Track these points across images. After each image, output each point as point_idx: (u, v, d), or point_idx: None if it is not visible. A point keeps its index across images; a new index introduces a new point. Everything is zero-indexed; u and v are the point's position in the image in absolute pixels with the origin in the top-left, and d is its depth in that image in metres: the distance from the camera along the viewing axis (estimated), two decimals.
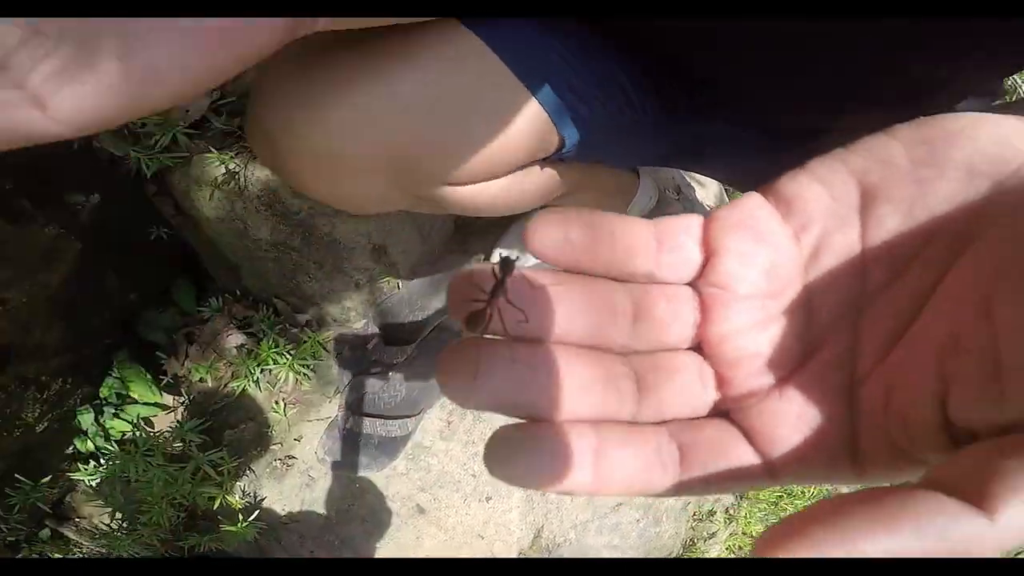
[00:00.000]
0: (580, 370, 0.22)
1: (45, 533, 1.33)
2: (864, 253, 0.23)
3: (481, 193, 0.65)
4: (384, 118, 0.54)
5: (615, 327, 0.24)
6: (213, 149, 0.96)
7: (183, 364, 1.18)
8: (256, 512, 1.09)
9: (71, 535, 1.35)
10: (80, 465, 1.13)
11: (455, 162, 0.59)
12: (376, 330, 1.08)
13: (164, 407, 1.22)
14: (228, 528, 1.08)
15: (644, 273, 0.24)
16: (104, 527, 1.27)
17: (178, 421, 1.21)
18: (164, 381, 1.19)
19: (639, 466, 0.21)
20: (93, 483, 1.12)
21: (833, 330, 0.23)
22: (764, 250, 0.24)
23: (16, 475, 1.10)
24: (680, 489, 0.22)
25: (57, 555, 1.34)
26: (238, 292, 1.17)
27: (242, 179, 0.98)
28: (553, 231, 0.23)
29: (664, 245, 0.24)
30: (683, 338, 0.24)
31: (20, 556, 1.21)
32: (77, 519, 1.30)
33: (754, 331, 0.23)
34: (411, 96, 0.54)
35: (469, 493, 1.09)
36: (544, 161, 0.68)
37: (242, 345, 1.13)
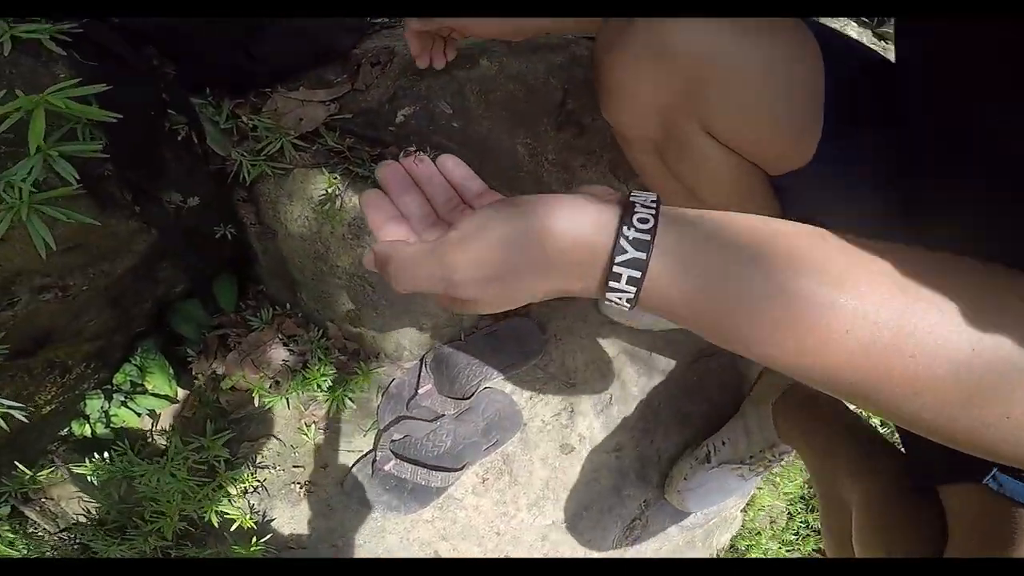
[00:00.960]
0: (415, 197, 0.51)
1: (4, 511, 1.22)
2: None
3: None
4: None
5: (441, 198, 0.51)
6: (321, 167, 0.92)
7: (211, 365, 1.12)
8: (268, 536, 1.05)
9: (33, 516, 1.25)
10: (86, 460, 1.04)
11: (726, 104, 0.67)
12: (430, 376, 1.06)
13: (174, 401, 1.15)
14: (236, 548, 1.03)
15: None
16: (81, 518, 1.19)
17: (179, 421, 1.15)
18: (187, 377, 1.13)
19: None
20: (95, 480, 1.04)
21: None
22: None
23: (15, 462, 1.01)
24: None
25: (9, 535, 1.24)
26: (288, 306, 1.11)
27: (338, 203, 0.94)
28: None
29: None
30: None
31: None
32: (44, 499, 1.21)
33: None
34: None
35: (490, 549, 1.10)
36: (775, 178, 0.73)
37: (284, 361, 1.08)
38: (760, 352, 0.39)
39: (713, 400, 1.13)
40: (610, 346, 1.08)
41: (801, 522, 1.75)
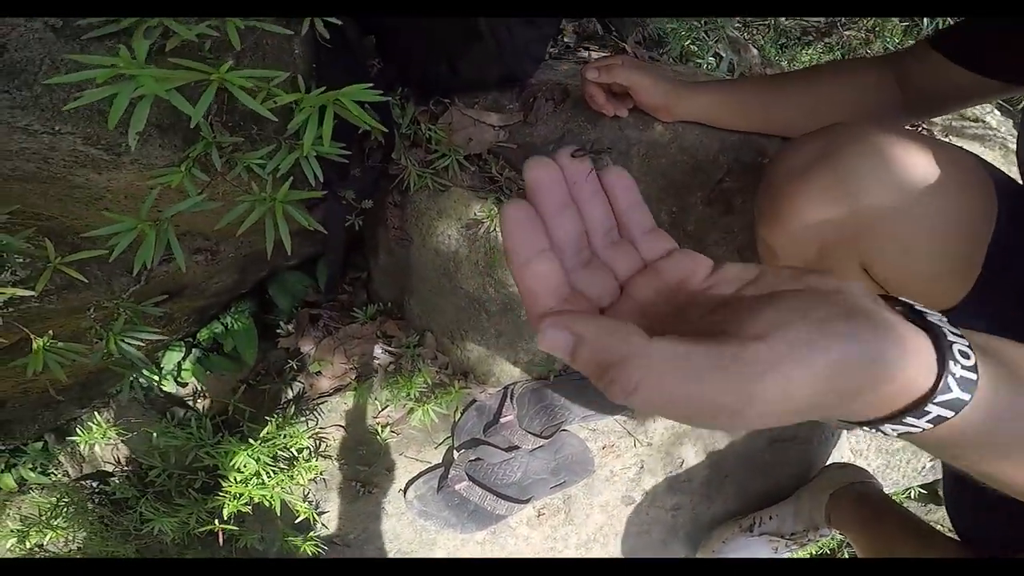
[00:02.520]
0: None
1: (36, 446, 1.18)
2: None
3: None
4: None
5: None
6: (478, 192, 0.93)
7: (297, 341, 1.11)
8: (322, 529, 1.05)
9: (64, 459, 1.21)
10: (161, 418, 1.02)
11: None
12: (514, 407, 1.07)
13: (240, 365, 1.13)
14: (290, 537, 1.02)
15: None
16: (108, 467, 1.16)
17: (247, 391, 1.14)
18: (265, 346, 1.11)
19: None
20: (161, 441, 1.01)
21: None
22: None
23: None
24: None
25: (31, 474, 1.20)
26: (389, 304, 1.11)
27: (482, 230, 0.94)
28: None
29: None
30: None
31: None
32: (80, 441, 1.17)
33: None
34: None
35: None
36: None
37: (376, 359, 1.08)
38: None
39: (779, 482, 1.18)
40: None
41: None
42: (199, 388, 1.16)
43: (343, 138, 0.75)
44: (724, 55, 1.42)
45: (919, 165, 0.64)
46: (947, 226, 0.65)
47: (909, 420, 0.32)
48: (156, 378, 1.08)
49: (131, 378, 0.74)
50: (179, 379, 1.11)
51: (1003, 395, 0.33)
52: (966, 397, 0.32)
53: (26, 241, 0.63)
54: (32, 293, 0.63)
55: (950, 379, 0.31)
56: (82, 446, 1.18)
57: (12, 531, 1.17)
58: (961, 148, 0.71)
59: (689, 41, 1.36)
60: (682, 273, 0.37)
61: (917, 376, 0.31)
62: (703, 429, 1.13)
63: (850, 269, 0.74)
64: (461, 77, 0.90)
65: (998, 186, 0.67)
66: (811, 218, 0.69)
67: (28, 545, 1.18)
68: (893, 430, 0.33)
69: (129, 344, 0.65)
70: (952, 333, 0.33)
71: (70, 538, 1.21)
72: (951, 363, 0.32)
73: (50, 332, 0.70)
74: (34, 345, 0.66)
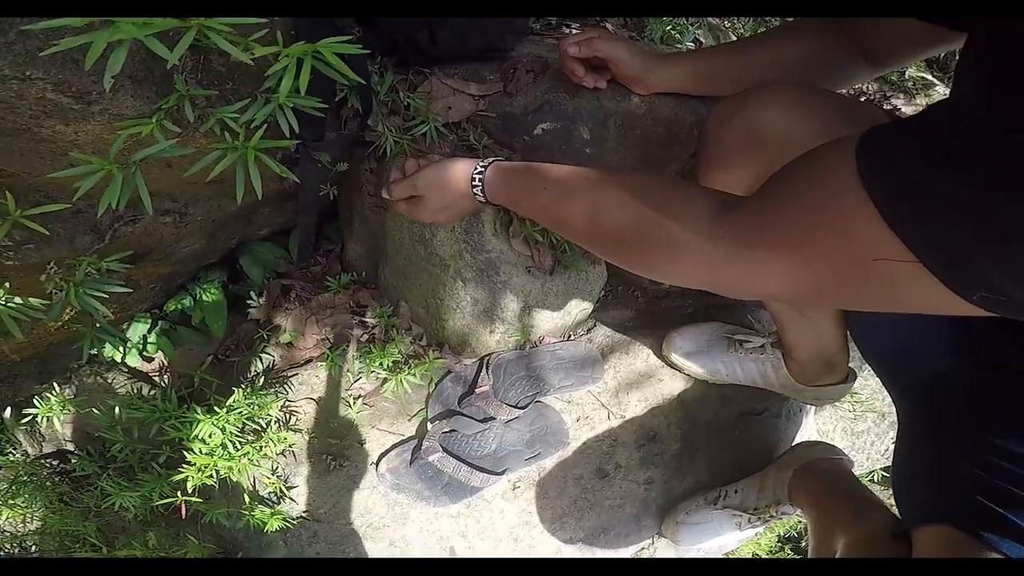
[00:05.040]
0: None
1: None
2: None
3: None
4: None
5: None
6: (458, 155, 0.92)
7: (269, 313, 1.09)
8: (291, 504, 1.03)
9: (23, 438, 1.16)
10: (126, 392, 0.99)
11: None
12: (489, 378, 1.07)
13: (214, 340, 1.10)
14: (256, 513, 1.00)
15: None
16: (71, 445, 1.12)
17: (216, 365, 1.11)
18: (235, 319, 1.09)
19: None
20: (123, 415, 0.98)
21: None
22: None
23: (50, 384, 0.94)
24: None
25: None
26: (363, 274, 1.10)
27: None
28: None
29: None
30: None
31: None
32: (38, 414, 1.13)
33: None
34: None
35: (503, 553, 1.12)
36: None
37: (349, 330, 1.06)
38: (523, 209, 0.79)
39: (748, 456, 1.20)
40: (665, 388, 1.13)
41: None
42: (165, 364, 1.13)
43: (321, 98, 0.74)
44: (703, 41, 1.43)
45: (820, 113, 0.70)
46: None
47: (475, 192, 0.80)
48: (120, 350, 1.05)
49: (91, 338, 0.70)
50: (145, 353, 1.08)
51: (510, 179, 0.77)
52: (481, 180, 0.78)
53: None
54: None
55: (476, 174, 0.79)
56: (41, 422, 1.14)
57: None
58: (875, 106, 0.74)
59: (670, 26, 1.37)
60: None
61: (466, 176, 0.79)
62: (674, 402, 1.15)
63: None
64: (442, 47, 0.89)
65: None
66: (734, 160, 0.77)
67: None
68: (479, 197, 0.80)
69: (91, 296, 0.63)
70: (486, 161, 0.80)
71: (28, 517, 1.17)
72: (477, 167, 0.79)
73: (7, 284, 0.67)
74: None
